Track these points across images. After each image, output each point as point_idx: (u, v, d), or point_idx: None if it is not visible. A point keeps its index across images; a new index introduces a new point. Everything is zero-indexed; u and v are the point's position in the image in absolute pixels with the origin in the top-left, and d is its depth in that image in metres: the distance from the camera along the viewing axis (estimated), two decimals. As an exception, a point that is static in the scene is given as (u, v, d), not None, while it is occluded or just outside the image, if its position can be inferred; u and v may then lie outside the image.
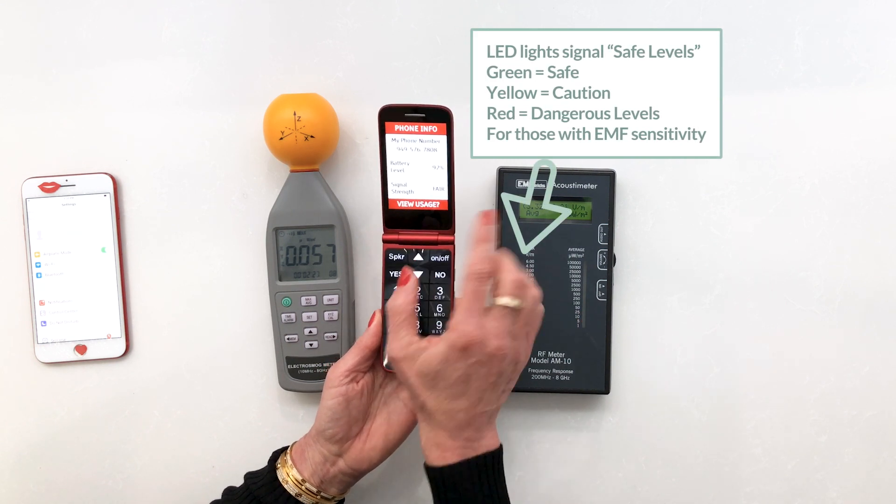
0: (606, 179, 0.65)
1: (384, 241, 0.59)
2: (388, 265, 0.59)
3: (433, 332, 0.59)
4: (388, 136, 0.57)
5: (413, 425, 0.60)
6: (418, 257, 0.59)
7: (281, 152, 0.64)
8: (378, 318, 0.60)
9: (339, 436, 0.59)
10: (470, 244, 0.56)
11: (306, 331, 0.65)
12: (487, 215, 0.56)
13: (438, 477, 0.55)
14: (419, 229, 0.59)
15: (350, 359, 0.59)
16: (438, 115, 0.57)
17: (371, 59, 0.67)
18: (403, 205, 0.59)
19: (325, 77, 0.67)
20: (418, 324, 0.58)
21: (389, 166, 0.58)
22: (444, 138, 0.57)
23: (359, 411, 0.59)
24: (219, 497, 0.61)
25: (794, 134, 0.67)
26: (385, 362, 0.59)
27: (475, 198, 0.67)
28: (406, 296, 0.57)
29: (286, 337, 0.65)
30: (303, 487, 0.59)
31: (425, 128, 0.57)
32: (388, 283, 0.59)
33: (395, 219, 0.59)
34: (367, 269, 0.68)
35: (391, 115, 0.57)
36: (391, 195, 0.58)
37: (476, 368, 0.53)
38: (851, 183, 0.67)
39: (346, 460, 0.59)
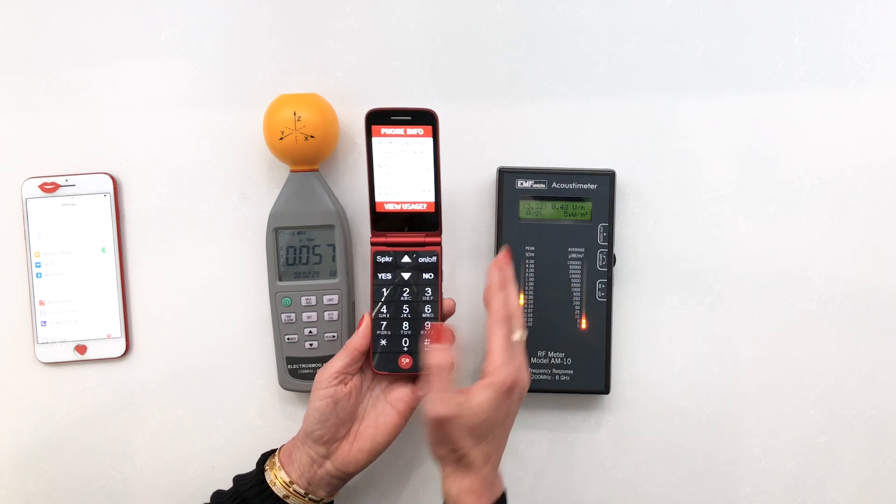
0: (606, 179, 0.65)
1: (372, 244, 0.59)
2: (377, 267, 0.59)
3: (422, 332, 0.59)
4: (375, 140, 0.58)
5: (401, 427, 0.60)
6: (406, 259, 0.59)
7: (281, 152, 0.64)
8: (367, 320, 0.60)
9: (326, 437, 0.59)
10: (493, 288, 0.56)
11: (306, 331, 0.65)
12: (506, 256, 0.57)
13: None
14: (406, 231, 0.59)
15: (339, 361, 0.59)
16: (424, 118, 0.57)
17: (371, 59, 0.67)
18: (390, 207, 0.59)
19: (325, 77, 0.67)
20: (408, 325, 0.59)
21: (376, 169, 0.58)
22: (430, 140, 0.57)
23: (346, 413, 0.59)
24: (207, 500, 0.61)
25: (794, 134, 0.67)
26: (375, 363, 0.60)
27: (475, 198, 0.67)
28: (446, 353, 0.54)
29: (286, 337, 0.65)
30: (290, 489, 0.59)
31: (411, 130, 0.57)
32: (377, 286, 0.59)
33: (383, 221, 0.59)
34: (367, 269, 0.68)
35: (377, 118, 0.57)
36: (378, 197, 0.59)
37: (516, 405, 0.55)
38: (851, 183, 0.67)
39: (334, 462, 0.59)
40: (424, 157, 0.58)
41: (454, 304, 0.62)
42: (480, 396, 0.53)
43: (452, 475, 0.54)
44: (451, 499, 0.54)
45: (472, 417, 0.53)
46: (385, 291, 0.59)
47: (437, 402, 0.53)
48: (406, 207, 0.59)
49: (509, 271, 0.58)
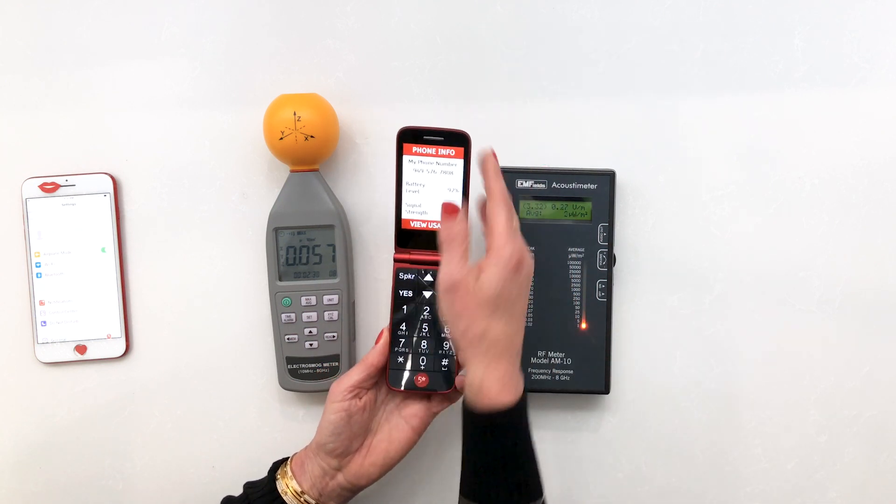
0: (606, 179, 0.65)
1: (395, 261, 0.59)
2: (399, 284, 0.59)
3: (440, 352, 0.59)
4: (406, 158, 0.58)
5: (414, 442, 0.60)
6: (429, 277, 0.59)
7: (281, 152, 0.64)
8: (385, 336, 0.60)
9: (339, 450, 0.59)
10: (489, 175, 0.56)
11: (306, 331, 0.65)
12: (493, 154, 0.57)
13: (507, 420, 0.53)
14: (431, 250, 0.59)
15: (355, 375, 0.59)
16: (457, 139, 0.57)
17: (371, 59, 0.67)
18: (416, 225, 0.59)
19: (325, 77, 0.67)
20: (425, 344, 0.59)
21: (405, 187, 0.58)
22: (461, 162, 0.58)
23: (360, 427, 0.59)
24: None
25: (794, 134, 0.67)
26: (390, 379, 0.59)
27: (475, 198, 0.67)
28: (463, 223, 0.56)
29: (286, 337, 0.65)
30: (301, 499, 0.59)
31: (443, 151, 0.57)
32: (398, 303, 0.59)
33: (408, 238, 0.59)
34: (367, 269, 0.68)
35: (410, 136, 0.57)
36: (405, 215, 0.59)
37: (525, 285, 0.55)
38: (851, 183, 0.67)
39: (345, 475, 0.59)
40: (454, 178, 0.58)
41: None
42: (489, 271, 0.53)
43: (477, 360, 0.53)
44: (474, 388, 0.53)
45: (483, 290, 0.53)
46: (405, 309, 0.59)
47: (451, 267, 0.53)
48: (432, 226, 0.59)
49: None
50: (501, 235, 0.54)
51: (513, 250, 0.53)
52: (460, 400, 0.56)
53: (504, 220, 0.54)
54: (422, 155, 0.57)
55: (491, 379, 0.52)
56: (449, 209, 0.56)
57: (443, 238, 0.55)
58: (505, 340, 0.53)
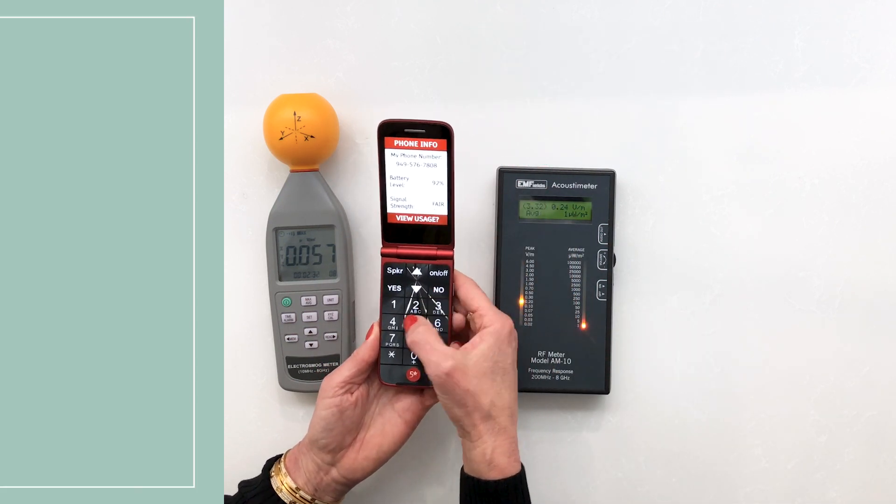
0: (606, 179, 0.65)
1: (383, 255, 0.59)
2: (387, 279, 0.59)
3: None
4: (388, 151, 0.57)
5: (407, 436, 0.60)
6: (417, 272, 0.59)
7: (281, 152, 0.64)
8: (376, 330, 0.59)
9: (332, 446, 0.59)
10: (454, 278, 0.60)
11: (306, 331, 0.65)
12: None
13: (512, 486, 0.55)
14: (418, 244, 0.59)
15: (346, 370, 0.59)
16: (439, 131, 0.56)
17: (371, 59, 0.67)
18: (402, 219, 0.58)
19: (325, 77, 0.67)
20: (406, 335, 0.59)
21: (389, 181, 0.57)
22: (444, 154, 0.57)
23: (352, 422, 0.59)
24: None
25: (794, 134, 0.67)
26: (382, 375, 0.59)
27: (475, 198, 0.67)
28: (424, 325, 0.57)
29: (286, 337, 0.65)
30: (297, 495, 0.59)
31: (425, 143, 0.56)
32: (387, 298, 0.59)
33: (394, 233, 0.59)
34: (367, 269, 0.68)
35: (391, 130, 0.56)
36: (390, 209, 0.58)
37: (515, 355, 0.58)
38: (851, 183, 0.67)
39: (340, 469, 0.59)
40: (438, 171, 0.57)
41: (464, 320, 0.60)
42: (485, 343, 0.56)
43: (486, 435, 0.55)
44: (483, 464, 0.55)
45: (480, 364, 0.55)
46: (394, 304, 0.59)
47: (438, 359, 0.54)
48: (418, 220, 0.58)
49: None
50: (488, 311, 0.57)
51: (503, 321, 0.57)
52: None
53: (484, 299, 0.58)
54: (404, 148, 0.57)
55: (499, 453, 0.55)
56: (408, 322, 0.58)
57: (411, 342, 0.57)
58: (509, 409, 0.56)
